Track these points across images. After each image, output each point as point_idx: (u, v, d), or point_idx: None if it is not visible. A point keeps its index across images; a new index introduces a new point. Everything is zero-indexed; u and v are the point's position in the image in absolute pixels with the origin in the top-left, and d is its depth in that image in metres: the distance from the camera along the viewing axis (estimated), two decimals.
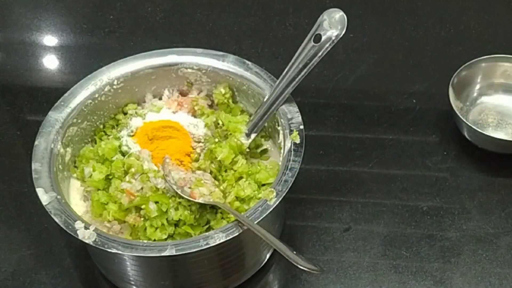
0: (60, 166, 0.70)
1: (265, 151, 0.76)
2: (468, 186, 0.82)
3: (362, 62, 0.96)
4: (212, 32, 1.02)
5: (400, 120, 0.89)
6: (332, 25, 0.68)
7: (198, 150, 0.73)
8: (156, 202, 0.66)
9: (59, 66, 1.00)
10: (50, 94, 0.95)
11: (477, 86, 0.89)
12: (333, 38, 0.68)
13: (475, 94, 0.89)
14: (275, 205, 0.64)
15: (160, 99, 0.79)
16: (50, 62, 1.01)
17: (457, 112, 0.82)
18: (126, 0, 1.06)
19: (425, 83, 0.93)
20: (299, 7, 1.03)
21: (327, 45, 0.68)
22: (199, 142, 0.74)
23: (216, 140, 0.73)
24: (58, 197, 0.65)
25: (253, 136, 0.73)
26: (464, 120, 0.82)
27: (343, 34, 0.68)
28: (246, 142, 0.73)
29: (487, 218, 0.79)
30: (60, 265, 0.76)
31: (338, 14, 0.68)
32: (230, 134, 0.73)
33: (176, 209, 0.67)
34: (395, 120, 0.89)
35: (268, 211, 0.63)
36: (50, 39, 1.04)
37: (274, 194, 0.64)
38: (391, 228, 0.79)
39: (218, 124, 0.75)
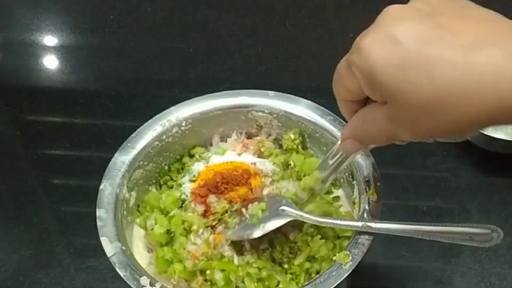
0: (124, 212, 0.67)
1: (337, 198, 0.71)
2: (468, 186, 0.82)
3: None
4: (212, 32, 1.02)
5: None
6: None
7: (267, 183, 0.68)
8: (223, 270, 0.62)
9: (59, 66, 1.00)
10: (50, 94, 0.95)
11: None
12: None
13: None
14: (351, 270, 0.58)
15: (226, 141, 0.75)
16: (50, 62, 1.01)
17: None
18: (126, 0, 1.06)
19: None
20: (299, 7, 1.03)
21: None
22: (266, 175, 0.69)
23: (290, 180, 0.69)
24: (123, 248, 0.61)
25: (327, 184, 0.66)
26: None
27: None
28: (323, 186, 0.66)
29: (487, 218, 0.79)
30: (60, 265, 0.76)
31: None
32: (304, 175, 0.68)
33: (242, 281, 0.62)
34: None
35: (344, 277, 0.58)
36: (50, 39, 1.04)
37: (350, 258, 0.59)
38: None
39: (289, 165, 0.71)
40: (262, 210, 0.63)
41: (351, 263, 0.58)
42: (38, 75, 0.99)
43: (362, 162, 0.66)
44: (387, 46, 0.43)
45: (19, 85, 0.96)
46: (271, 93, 0.72)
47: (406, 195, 0.82)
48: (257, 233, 0.62)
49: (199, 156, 0.73)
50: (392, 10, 0.45)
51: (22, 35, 1.04)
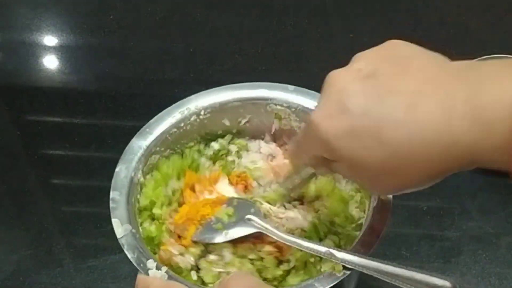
0: (138, 196, 0.67)
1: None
2: (468, 186, 0.82)
3: None
4: (212, 32, 1.02)
5: None
6: None
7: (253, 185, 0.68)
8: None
9: (59, 66, 1.00)
10: (50, 94, 0.95)
11: None
12: None
13: None
14: (344, 276, 0.57)
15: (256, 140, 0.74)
16: (50, 62, 1.01)
17: None
18: (126, 0, 1.07)
19: None
20: (299, 7, 1.03)
21: None
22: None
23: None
24: (133, 230, 0.61)
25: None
26: None
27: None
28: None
29: (487, 218, 0.79)
30: (60, 265, 0.76)
31: None
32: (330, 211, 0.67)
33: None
34: None
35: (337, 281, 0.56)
36: (50, 39, 1.04)
37: (341, 267, 0.56)
38: (391, 228, 0.78)
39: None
40: (229, 215, 0.62)
41: (343, 271, 0.56)
42: (38, 75, 0.99)
43: None
44: (337, 115, 0.46)
45: (19, 85, 0.97)
46: (291, 87, 0.72)
47: (406, 195, 0.81)
48: (219, 239, 0.61)
49: (239, 147, 0.72)
50: (335, 78, 0.48)
51: (22, 35, 1.04)
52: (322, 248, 0.56)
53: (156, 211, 0.65)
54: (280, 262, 0.61)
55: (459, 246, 0.77)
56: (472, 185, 0.82)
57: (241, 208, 0.62)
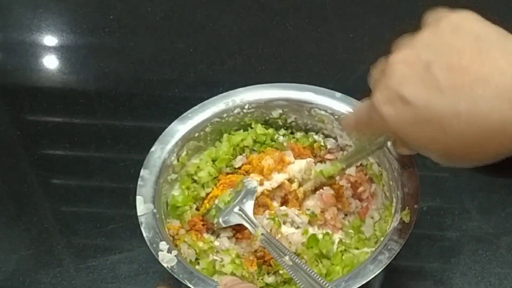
0: (168, 178, 0.68)
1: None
2: (468, 186, 0.82)
3: (362, 62, 0.95)
4: (212, 32, 1.02)
5: None
6: None
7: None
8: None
9: (59, 66, 1.00)
10: (50, 94, 0.95)
11: None
12: None
13: None
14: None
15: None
16: (50, 62, 1.01)
17: None
18: (126, 0, 1.06)
19: None
20: (299, 7, 1.03)
21: None
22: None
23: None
24: (155, 211, 0.63)
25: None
26: None
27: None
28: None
29: (487, 218, 0.79)
30: (60, 265, 0.76)
31: None
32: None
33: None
34: None
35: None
36: (50, 39, 1.04)
37: None
38: None
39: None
40: (225, 203, 0.66)
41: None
42: (38, 75, 0.99)
43: (406, 180, 0.67)
44: (399, 106, 0.48)
45: (19, 85, 0.96)
46: (338, 94, 0.72)
47: None
48: (219, 225, 0.65)
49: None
50: (396, 66, 0.49)
51: (22, 35, 1.04)
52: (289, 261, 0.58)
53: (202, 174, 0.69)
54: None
55: (459, 246, 0.77)
56: (472, 185, 0.82)
57: (241, 195, 0.66)
